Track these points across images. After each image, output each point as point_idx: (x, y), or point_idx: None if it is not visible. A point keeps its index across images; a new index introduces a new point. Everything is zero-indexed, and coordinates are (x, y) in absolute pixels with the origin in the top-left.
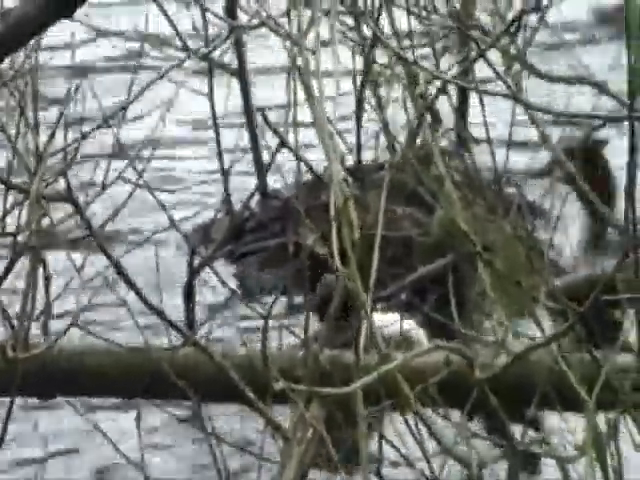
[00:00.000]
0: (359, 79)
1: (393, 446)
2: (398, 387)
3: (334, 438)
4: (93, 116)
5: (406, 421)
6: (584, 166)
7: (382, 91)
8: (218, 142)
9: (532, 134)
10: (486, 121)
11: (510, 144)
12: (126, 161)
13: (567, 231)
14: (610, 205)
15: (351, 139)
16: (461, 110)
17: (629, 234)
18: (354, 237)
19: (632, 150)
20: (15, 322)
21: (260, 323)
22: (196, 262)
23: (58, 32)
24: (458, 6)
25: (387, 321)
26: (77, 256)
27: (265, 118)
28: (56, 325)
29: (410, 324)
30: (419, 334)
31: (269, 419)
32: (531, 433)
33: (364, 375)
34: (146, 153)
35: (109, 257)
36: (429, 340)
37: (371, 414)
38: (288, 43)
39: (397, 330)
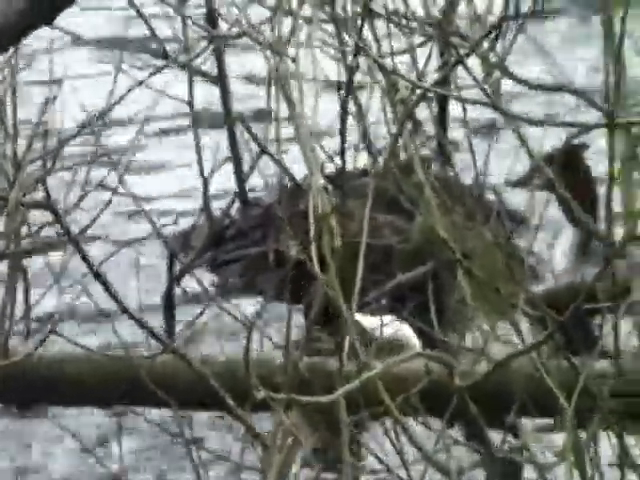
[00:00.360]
0: (341, 87)
1: (373, 454)
2: (379, 395)
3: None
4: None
5: (386, 429)
6: (564, 172)
7: (363, 99)
8: (198, 149)
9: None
10: (467, 128)
11: (490, 151)
12: (108, 167)
13: (552, 238)
14: (593, 211)
15: (333, 147)
16: (441, 117)
17: (609, 243)
18: (334, 245)
19: (612, 159)
20: None
21: (240, 330)
22: (176, 269)
23: (35, 39)
24: (438, 13)
25: (378, 324)
26: (57, 260)
27: (246, 126)
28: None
29: (403, 328)
30: (411, 338)
31: (249, 426)
32: (511, 440)
33: (346, 383)
34: (127, 159)
35: (88, 264)
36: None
37: (353, 422)
38: (269, 52)
39: (390, 334)
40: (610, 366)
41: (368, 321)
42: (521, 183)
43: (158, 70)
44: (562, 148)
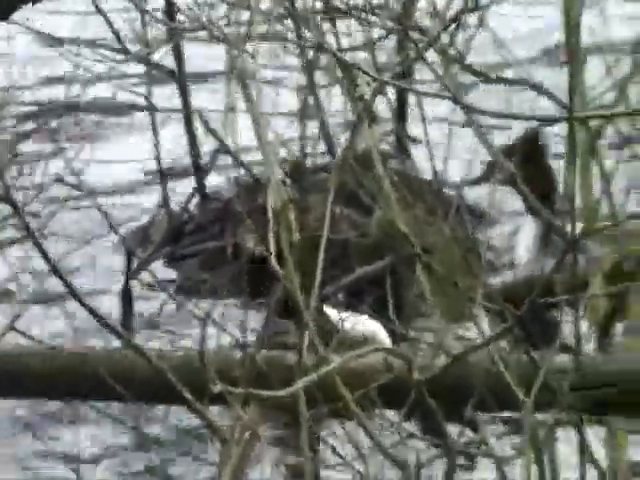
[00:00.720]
0: (301, 82)
1: (331, 447)
2: (337, 389)
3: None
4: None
5: (344, 423)
6: (525, 163)
7: (323, 94)
8: (156, 145)
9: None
10: (425, 122)
11: (449, 146)
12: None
13: (514, 232)
14: (553, 203)
15: (292, 141)
16: (400, 112)
17: (568, 236)
18: (292, 239)
19: (573, 151)
20: None
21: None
22: (134, 264)
23: None
24: (398, 8)
25: (346, 318)
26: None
27: (204, 121)
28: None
29: (372, 324)
30: (380, 334)
31: (207, 421)
32: (469, 434)
33: (304, 377)
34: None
35: (47, 258)
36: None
37: (311, 416)
38: (227, 47)
39: (359, 329)
40: (570, 360)
41: (336, 315)
42: (481, 180)
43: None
44: (522, 138)
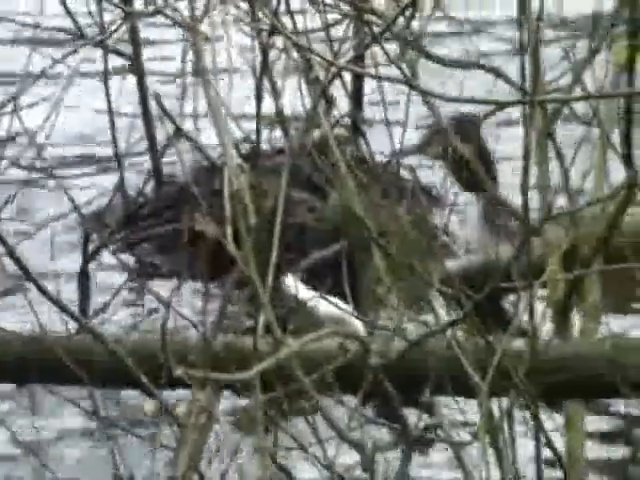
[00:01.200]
0: (257, 65)
1: (288, 432)
2: (294, 373)
3: None
4: None
5: (301, 407)
6: (459, 141)
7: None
8: (113, 128)
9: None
10: (385, 105)
11: (405, 129)
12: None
13: (462, 214)
14: (488, 181)
15: (248, 125)
16: (356, 96)
17: (525, 222)
18: (249, 222)
19: (528, 136)
20: None
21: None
22: (90, 248)
23: None
24: None
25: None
26: None
27: (160, 104)
28: None
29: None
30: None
31: (163, 405)
32: (426, 418)
33: (261, 361)
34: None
35: (3, 242)
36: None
37: (268, 400)
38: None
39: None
40: (526, 345)
41: (305, 293)
42: (416, 151)
43: (74, 50)
44: (457, 118)
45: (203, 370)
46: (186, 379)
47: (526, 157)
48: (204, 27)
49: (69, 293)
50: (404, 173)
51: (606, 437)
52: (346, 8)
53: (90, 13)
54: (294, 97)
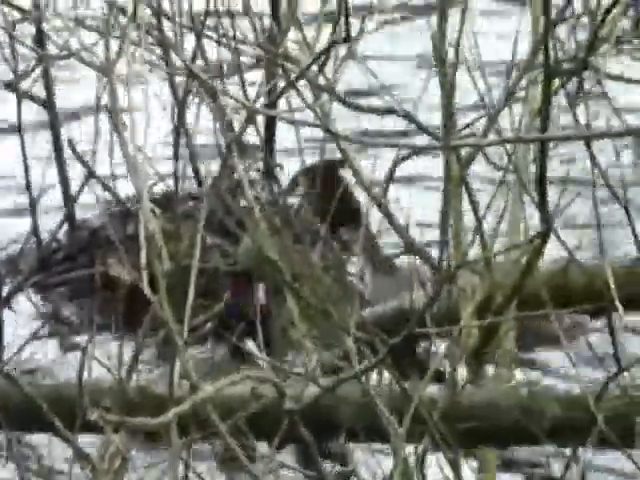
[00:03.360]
0: (173, 109)
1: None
2: (209, 418)
3: None
4: None
5: (214, 452)
6: (322, 185)
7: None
8: (27, 173)
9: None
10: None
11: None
12: None
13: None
14: (355, 224)
15: (163, 168)
16: (269, 139)
17: (442, 269)
18: (164, 266)
19: (446, 181)
20: None
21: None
22: (4, 292)
23: None
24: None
25: None
26: None
27: (73, 149)
28: None
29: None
30: None
31: (76, 448)
32: (340, 465)
33: (176, 406)
34: None
35: None
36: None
37: (184, 445)
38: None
39: None
40: (440, 392)
41: None
42: (283, 194)
43: None
44: (319, 162)
45: (118, 414)
46: (101, 423)
47: (445, 203)
48: (118, 70)
49: None
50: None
51: None
52: (260, 53)
53: (2, 55)
54: (208, 140)
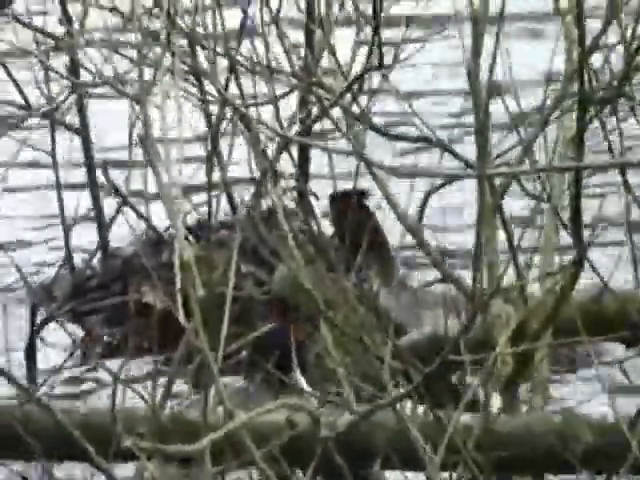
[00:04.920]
0: (207, 137)
1: None
2: (244, 446)
3: None
4: None
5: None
6: (341, 215)
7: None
8: (60, 199)
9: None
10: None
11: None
12: None
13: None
14: (382, 255)
15: (197, 197)
16: (303, 168)
17: (478, 296)
18: (198, 294)
19: (481, 208)
20: None
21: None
22: (38, 320)
23: None
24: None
25: None
26: None
27: (107, 176)
28: None
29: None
30: None
31: (111, 477)
32: None
33: (210, 433)
34: None
35: None
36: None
37: (217, 473)
38: (131, 101)
39: None
40: (474, 420)
41: None
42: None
43: (21, 121)
44: (341, 192)
45: (152, 442)
46: (135, 451)
47: (478, 231)
48: (152, 98)
49: (16, 365)
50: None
51: None
52: (294, 81)
53: (37, 84)
54: (242, 168)
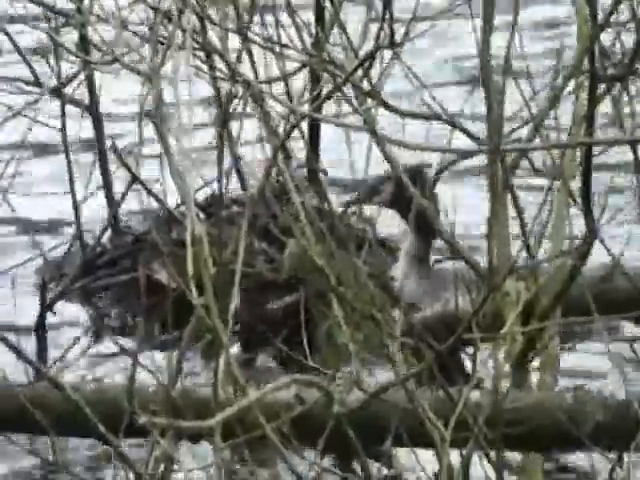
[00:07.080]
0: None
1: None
2: (255, 422)
3: None
4: None
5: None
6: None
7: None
8: (71, 176)
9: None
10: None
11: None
12: None
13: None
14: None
15: (207, 173)
16: (313, 144)
17: (491, 274)
18: (209, 270)
19: (492, 186)
20: None
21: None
22: (48, 297)
23: None
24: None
25: None
26: None
27: (117, 152)
28: None
29: None
30: None
31: (121, 453)
32: (384, 470)
33: (221, 409)
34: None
35: None
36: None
37: (229, 448)
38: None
39: None
40: (484, 396)
41: None
42: (360, 201)
43: (36, 100)
44: (411, 168)
45: (164, 418)
46: (149, 427)
47: (492, 211)
48: (163, 75)
49: (27, 342)
50: (361, 223)
51: None
52: (305, 57)
53: (47, 62)
54: (253, 145)
